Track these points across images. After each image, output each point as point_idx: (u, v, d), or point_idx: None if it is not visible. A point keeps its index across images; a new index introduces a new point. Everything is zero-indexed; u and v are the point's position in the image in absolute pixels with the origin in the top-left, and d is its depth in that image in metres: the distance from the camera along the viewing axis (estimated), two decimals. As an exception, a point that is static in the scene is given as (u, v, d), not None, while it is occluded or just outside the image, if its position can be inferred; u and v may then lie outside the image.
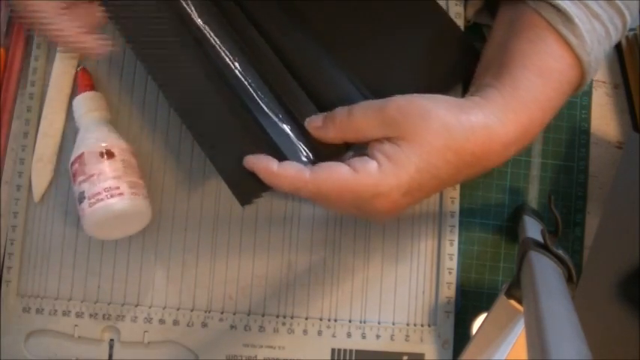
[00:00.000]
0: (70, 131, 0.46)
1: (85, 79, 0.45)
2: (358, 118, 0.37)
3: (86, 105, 0.44)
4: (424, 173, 0.35)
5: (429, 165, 0.35)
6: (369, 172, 0.35)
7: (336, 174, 0.35)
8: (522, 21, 0.38)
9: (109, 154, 0.42)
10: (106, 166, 0.41)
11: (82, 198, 0.40)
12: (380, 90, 0.39)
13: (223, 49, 0.42)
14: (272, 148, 0.39)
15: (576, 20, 0.36)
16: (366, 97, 0.41)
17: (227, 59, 0.42)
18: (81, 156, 0.41)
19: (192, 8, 0.43)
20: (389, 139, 0.36)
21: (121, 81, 0.46)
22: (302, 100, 0.41)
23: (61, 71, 0.46)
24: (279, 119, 0.40)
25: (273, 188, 0.37)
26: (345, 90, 0.42)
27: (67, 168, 0.46)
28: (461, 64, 0.43)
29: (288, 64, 0.42)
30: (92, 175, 0.41)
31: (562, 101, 0.38)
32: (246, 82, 0.41)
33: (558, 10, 0.36)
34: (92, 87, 0.45)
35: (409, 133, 0.35)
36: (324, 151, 0.39)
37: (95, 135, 0.43)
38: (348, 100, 0.38)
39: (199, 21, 0.43)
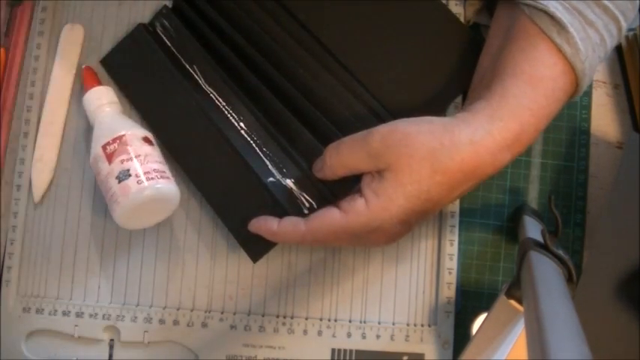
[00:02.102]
0: (70, 131, 0.46)
1: (91, 76, 0.45)
2: (345, 155, 0.38)
3: (106, 97, 0.44)
4: (414, 200, 0.35)
5: (418, 191, 0.35)
6: (358, 211, 0.36)
7: (328, 219, 0.37)
8: (517, 29, 0.38)
9: (148, 141, 0.42)
10: (152, 150, 0.42)
11: (124, 176, 0.40)
12: (395, 107, 0.42)
13: (229, 110, 0.44)
14: (275, 206, 0.41)
15: (571, 29, 0.36)
16: (377, 116, 0.43)
17: (233, 120, 0.44)
18: (121, 137, 0.41)
19: (199, 74, 0.45)
20: (378, 172, 0.36)
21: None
22: (308, 141, 0.43)
23: (61, 71, 0.47)
24: (283, 175, 0.42)
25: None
26: (356, 121, 0.43)
27: (67, 167, 0.46)
28: (469, 63, 0.44)
29: (294, 105, 0.44)
30: (139, 155, 0.41)
31: (557, 108, 0.38)
32: (252, 141, 0.44)
33: (553, 18, 0.36)
34: (100, 83, 0.45)
35: (394, 163, 0.35)
36: (333, 190, 0.41)
37: (127, 122, 0.43)
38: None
39: (207, 87, 0.45)
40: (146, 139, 0.42)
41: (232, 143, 0.43)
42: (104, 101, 0.44)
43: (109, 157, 0.41)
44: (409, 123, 0.37)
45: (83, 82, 0.46)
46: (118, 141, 0.41)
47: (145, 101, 0.46)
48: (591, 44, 0.37)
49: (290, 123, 0.43)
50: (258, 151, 0.43)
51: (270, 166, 0.43)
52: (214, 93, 0.45)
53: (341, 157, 0.38)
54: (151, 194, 0.40)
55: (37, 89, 0.46)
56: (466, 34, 0.45)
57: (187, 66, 0.45)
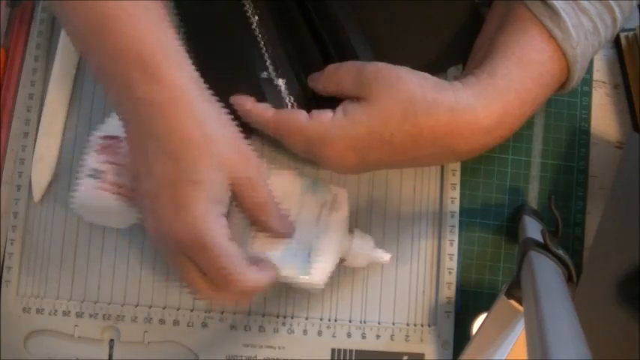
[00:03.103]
0: (70, 131, 0.46)
1: None
2: (341, 73, 0.39)
3: None
4: (376, 135, 0.37)
5: (382, 129, 0.36)
6: (321, 120, 0.38)
7: (293, 117, 0.39)
8: (511, 14, 0.39)
9: None
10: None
11: (93, 174, 0.40)
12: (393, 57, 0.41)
13: (248, 2, 0.44)
14: (261, 99, 0.41)
15: (563, 14, 0.36)
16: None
17: (248, 13, 0.44)
18: (122, 140, 0.40)
19: None
20: (357, 98, 0.38)
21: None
22: (312, 54, 0.44)
23: (61, 71, 0.46)
24: (277, 74, 0.43)
25: (247, 123, 0.41)
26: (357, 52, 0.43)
27: (67, 167, 0.46)
28: (469, 37, 0.44)
29: (311, 24, 0.44)
30: (121, 165, 0.40)
31: (544, 94, 0.38)
32: (259, 35, 0.44)
33: (546, 4, 0.37)
34: None
35: (374, 96, 0.37)
36: (319, 106, 0.41)
37: None
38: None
39: None
40: None
41: (239, 30, 0.43)
42: None
43: (97, 151, 0.40)
44: (406, 70, 0.38)
45: None
46: (115, 140, 0.41)
47: None
48: (584, 31, 0.37)
49: (302, 34, 0.44)
50: (262, 45, 0.43)
51: (268, 63, 0.43)
52: None
53: (337, 74, 0.40)
54: (94, 204, 0.40)
55: (37, 89, 0.46)
56: (470, 7, 0.45)
57: None
